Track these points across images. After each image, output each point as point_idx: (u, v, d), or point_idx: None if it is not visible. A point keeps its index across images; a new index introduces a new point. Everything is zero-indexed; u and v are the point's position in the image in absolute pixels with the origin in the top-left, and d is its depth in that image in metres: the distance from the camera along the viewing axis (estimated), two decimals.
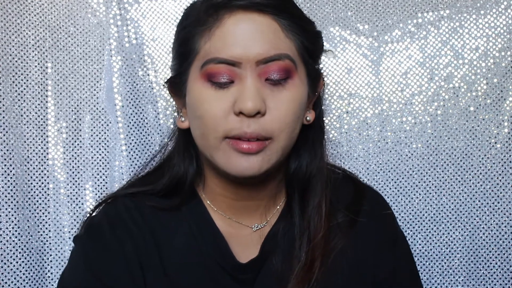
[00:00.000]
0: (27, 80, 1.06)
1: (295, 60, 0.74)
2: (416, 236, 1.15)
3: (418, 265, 1.14)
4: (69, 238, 1.09)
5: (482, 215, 1.14)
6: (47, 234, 1.08)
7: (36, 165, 1.07)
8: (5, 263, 1.01)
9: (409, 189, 1.15)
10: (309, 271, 0.78)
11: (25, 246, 1.04)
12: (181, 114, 0.82)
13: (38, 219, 1.07)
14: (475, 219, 1.15)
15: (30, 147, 1.07)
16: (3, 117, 1.03)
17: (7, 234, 1.02)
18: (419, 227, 1.15)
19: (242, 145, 0.72)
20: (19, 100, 1.05)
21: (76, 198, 1.10)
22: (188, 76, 0.76)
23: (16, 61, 1.05)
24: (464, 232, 1.15)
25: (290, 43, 0.74)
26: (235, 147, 0.72)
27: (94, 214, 0.85)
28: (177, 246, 0.81)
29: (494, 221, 1.14)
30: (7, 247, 1.02)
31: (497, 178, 1.14)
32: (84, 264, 0.78)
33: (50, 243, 1.08)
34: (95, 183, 1.11)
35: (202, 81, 0.73)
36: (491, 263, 1.15)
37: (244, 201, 0.82)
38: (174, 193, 0.83)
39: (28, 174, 1.06)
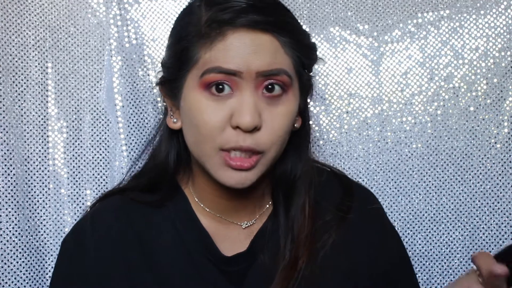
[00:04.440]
0: (27, 80, 1.06)
1: (291, 75, 0.77)
2: (416, 236, 1.15)
3: (418, 265, 1.15)
4: None
5: (482, 215, 1.14)
6: (47, 234, 1.08)
7: (36, 165, 1.07)
8: (5, 263, 1.01)
9: (409, 189, 1.15)
10: (293, 269, 0.79)
11: (25, 246, 1.04)
12: (172, 115, 0.83)
13: (38, 219, 1.07)
14: (475, 219, 1.15)
15: (30, 147, 1.07)
16: (3, 117, 1.03)
17: (7, 234, 1.02)
18: (419, 227, 1.15)
19: (236, 161, 0.74)
20: (19, 100, 1.05)
21: (77, 198, 1.10)
22: (184, 82, 0.77)
23: (16, 61, 1.05)
24: (464, 232, 1.15)
25: (288, 59, 0.76)
26: (228, 163, 0.74)
27: (86, 213, 0.88)
28: (163, 244, 0.83)
29: (494, 221, 1.14)
30: (7, 247, 1.02)
31: (497, 178, 1.14)
32: (67, 273, 0.83)
33: (50, 243, 1.08)
34: (95, 183, 1.11)
35: (201, 90, 0.75)
36: None
37: (233, 201, 0.84)
38: (157, 187, 0.85)
39: (28, 174, 1.06)
